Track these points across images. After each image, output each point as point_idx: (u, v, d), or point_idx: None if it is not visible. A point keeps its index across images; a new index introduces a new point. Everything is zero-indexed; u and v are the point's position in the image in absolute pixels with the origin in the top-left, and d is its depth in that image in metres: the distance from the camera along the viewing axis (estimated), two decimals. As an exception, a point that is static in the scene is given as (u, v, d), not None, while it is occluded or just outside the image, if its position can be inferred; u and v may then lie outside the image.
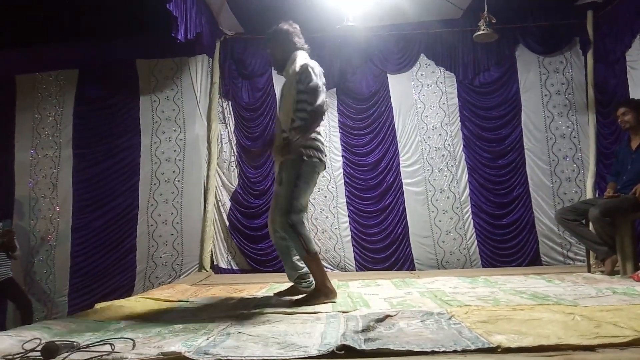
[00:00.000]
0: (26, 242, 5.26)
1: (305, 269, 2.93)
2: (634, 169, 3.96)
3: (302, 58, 2.93)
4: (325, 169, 3.00)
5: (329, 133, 5.49)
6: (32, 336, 1.91)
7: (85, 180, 5.43)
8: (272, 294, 3.14)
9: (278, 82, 5.61)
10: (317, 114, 2.75)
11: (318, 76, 2.82)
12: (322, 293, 2.76)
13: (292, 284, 3.09)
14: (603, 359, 1.49)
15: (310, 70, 2.80)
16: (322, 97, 2.77)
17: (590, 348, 1.60)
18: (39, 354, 1.67)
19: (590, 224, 3.99)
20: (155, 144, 5.47)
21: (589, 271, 4.06)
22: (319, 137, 2.89)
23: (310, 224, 5.41)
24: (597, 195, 4.99)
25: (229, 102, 5.65)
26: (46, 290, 5.27)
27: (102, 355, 1.67)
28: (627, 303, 2.44)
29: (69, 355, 1.67)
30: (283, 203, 2.77)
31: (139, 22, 5.12)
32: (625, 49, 4.84)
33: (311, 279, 2.93)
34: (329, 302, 2.71)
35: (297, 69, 2.83)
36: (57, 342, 1.73)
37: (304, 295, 2.84)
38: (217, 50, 5.56)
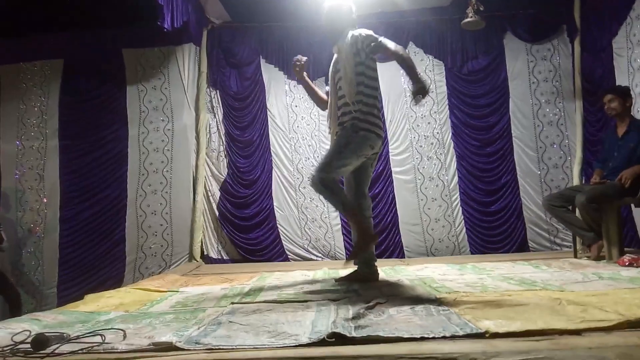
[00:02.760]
0: (13, 234, 5.22)
1: (368, 254, 2.99)
2: (620, 156, 4.01)
3: (359, 30, 2.93)
4: (382, 144, 3.05)
5: (318, 122, 5.48)
6: (21, 328, 1.90)
7: (73, 172, 5.38)
8: (334, 280, 3.12)
9: (266, 71, 5.60)
10: (402, 58, 2.79)
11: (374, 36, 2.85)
12: (366, 239, 2.76)
13: (353, 269, 3.09)
14: (589, 342, 1.51)
15: (364, 34, 2.83)
16: (392, 43, 2.81)
17: (577, 332, 1.62)
18: (28, 345, 1.67)
19: (577, 210, 4.04)
20: (143, 134, 5.42)
21: (576, 257, 4.12)
22: (375, 111, 2.92)
23: (300, 213, 5.42)
24: (583, 182, 5.05)
25: (217, 91, 5.61)
26: (35, 282, 5.23)
27: (92, 346, 1.66)
28: (613, 288, 2.48)
29: (59, 346, 1.66)
30: (323, 161, 2.78)
31: (125, 11, 5.04)
32: (612, 36, 4.87)
33: (376, 266, 3.06)
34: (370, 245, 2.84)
35: (351, 41, 2.86)
36: (47, 334, 1.72)
37: (355, 245, 2.83)
38: (204, 39, 5.51)
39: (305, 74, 3.17)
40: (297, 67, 3.17)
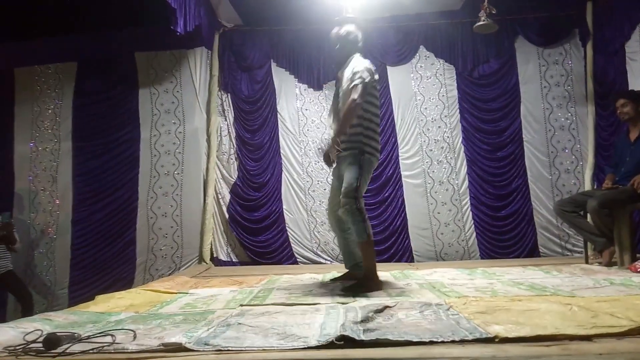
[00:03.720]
0: (26, 235, 5.28)
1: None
2: (632, 161, 3.96)
3: (357, 59, 3.08)
4: (377, 161, 3.17)
5: (328, 126, 5.48)
6: (33, 328, 1.93)
7: (85, 173, 5.44)
8: (328, 280, 3.34)
9: (277, 75, 5.62)
10: (349, 109, 2.89)
11: (369, 74, 2.98)
12: (373, 281, 2.92)
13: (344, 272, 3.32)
14: (600, 348, 1.50)
15: (364, 70, 2.95)
16: (362, 94, 2.90)
17: (587, 338, 1.61)
18: (40, 345, 1.69)
19: (589, 216, 4.01)
20: (155, 137, 5.47)
21: (587, 262, 4.08)
22: (375, 136, 3.07)
23: (310, 216, 5.42)
24: (595, 187, 5.00)
25: (228, 94, 5.64)
26: (46, 283, 5.29)
27: (103, 346, 1.68)
28: (624, 294, 2.45)
29: (70, 346, 1.68)
30: (349, 190, 2.90)
31: (138, 15, 5.10)
32: (625, 40, 4.83)
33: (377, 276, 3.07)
34: (377, 291, 2.81)
35: (352, 70, 2.99)
36: (58, 334, 1.75)
37: (355, 282, 2.96)
38: (216, 43, 5.54)
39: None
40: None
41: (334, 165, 3.18)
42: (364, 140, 3.00)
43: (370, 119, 3.04)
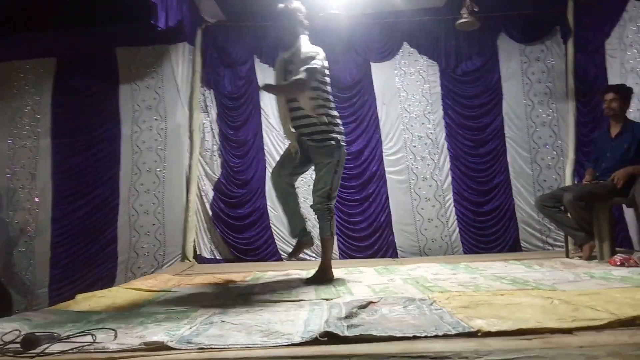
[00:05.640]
0: (5, 234, 5.18)
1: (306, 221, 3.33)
2: (613, 157, 4.03)
3: (309, 44, 3.13)
4: None
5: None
6: (11, 328, 1.88)
7: (65, 171, 5.34)
8: (288, 257, 3.59)
9: (260, 71, 5.57)
10: (300, 85, 2.91)
11: (323, 65, 3.06)
12: (329, 273, 3.13)
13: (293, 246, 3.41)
14: (580, 341, 1.52)
15: (322, 59, 3.04)
16: (313, 80, 2.96)
17: (568, 331, 1.63)
18: (18, 345, 1.66)
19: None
20: (136, 134, 5.40)
21: (568, 256, 4.14)
22: (338, 119, 3.17)
23: (294, 213, 5.41)
24: (576, 182, 5.07)
25: (211, 90, 5.59)
26: (26, 282, 5.19)
27: (83, 346, 1.65)
28: (604, 287, 2.50)
29: (49, 346, 1.65)
30: (326, 190, 3.04)
31: (119, 10, 5.01)
32: (605, 38, 4.90)
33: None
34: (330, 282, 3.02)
35: (309, 54, 3.02)
36: (37, 334, 1.71)
37: (315, 276, 3.11)
38: (198, 38, 5.49)
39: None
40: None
41: (297, 151, 3.15)
42: (337, 129, 3.09)
43: (330, 99, 3.13)
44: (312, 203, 3.13)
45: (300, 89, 2.93)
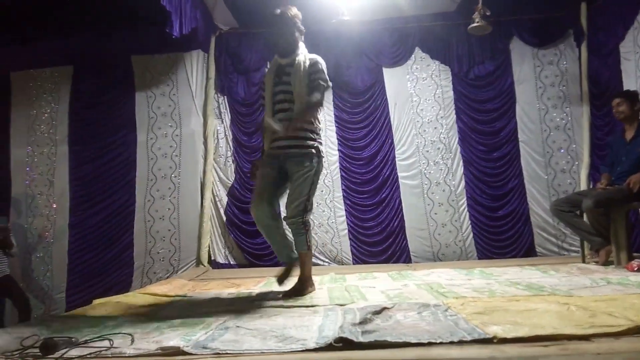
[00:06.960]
0: (23, 240, 5.26)
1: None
2: (628, 160, 3.98)
3: (308, 53, 3.02)
4: None
5: (324, 127, 5.49)
6: (30, 333, 1.92)
7: (82, 177, 5.42)
8: (275, 279, 3.05)
9: (273, 77, 5.60)
10: (315, 107, 2.84)
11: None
12: (309, 284, 2.92)
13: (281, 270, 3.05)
14: (598, 348, 1.50)
15: (324, 69, 2.93)
16: (320, 95, 2.87)
17: (585, 338, 1.61)
18: (37, 350, 1.68)
19: (584, 215, 4.02)
20: (152, 140, 5.46)
21: (584, 262, 4.09)
22: (321, 133, 3.02)
23: (307, 218, 5.42)
24: (591, 187, 5.02)
25: (225, 97, 5.65)
26: (44, 287, 5.27)
27: (101, 351, 1.67)
28: (622, 293, 2.46)
29: (67, 351, 1.68)
30: (302, 201, 2.83)
31: (134, 18, 5.08)
32: (619, 40, 4.86)
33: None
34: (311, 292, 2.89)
35: (310, 62, 2.92)
36: (55, 339, 1.74)
37: (294, 288, 2.88)
38: (212, 45, 5.55)
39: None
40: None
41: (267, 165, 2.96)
42: (318, 139, 2.93)
43: (318, 118, 2.99)
44: (285, 215, 2.89)
45: (316, 110, 2.88)
